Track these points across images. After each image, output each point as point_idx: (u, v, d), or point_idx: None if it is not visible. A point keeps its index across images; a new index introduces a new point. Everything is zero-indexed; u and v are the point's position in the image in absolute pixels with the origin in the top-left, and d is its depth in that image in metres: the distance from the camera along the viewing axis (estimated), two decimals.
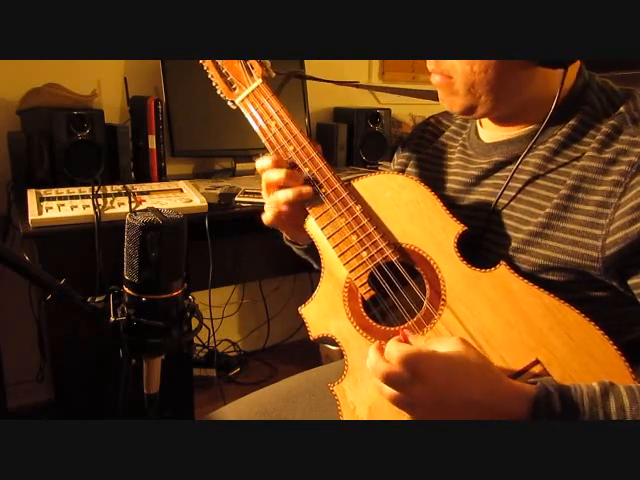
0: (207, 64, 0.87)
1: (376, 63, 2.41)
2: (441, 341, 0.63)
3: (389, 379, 0.59)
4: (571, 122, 0.71)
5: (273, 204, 0.80)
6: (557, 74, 0.70)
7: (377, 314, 0.75)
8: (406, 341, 0.65)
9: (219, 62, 0.85)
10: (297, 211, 0.79)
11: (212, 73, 0.87)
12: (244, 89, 0.83)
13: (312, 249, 0.85)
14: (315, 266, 0.91)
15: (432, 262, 0.72)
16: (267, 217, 0.83)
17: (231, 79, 0.85)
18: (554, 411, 0.57)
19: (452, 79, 0.72)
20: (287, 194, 0.77)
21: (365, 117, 2.09)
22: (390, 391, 0.60)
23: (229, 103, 0.86)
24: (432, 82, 0.76)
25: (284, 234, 0.91)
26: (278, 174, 0.78)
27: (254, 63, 0.82)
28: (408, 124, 2.32)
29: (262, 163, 0.80)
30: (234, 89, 0.85)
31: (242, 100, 0.83)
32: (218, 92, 0.86)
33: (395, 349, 0.59)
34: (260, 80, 0.82)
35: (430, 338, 0.65)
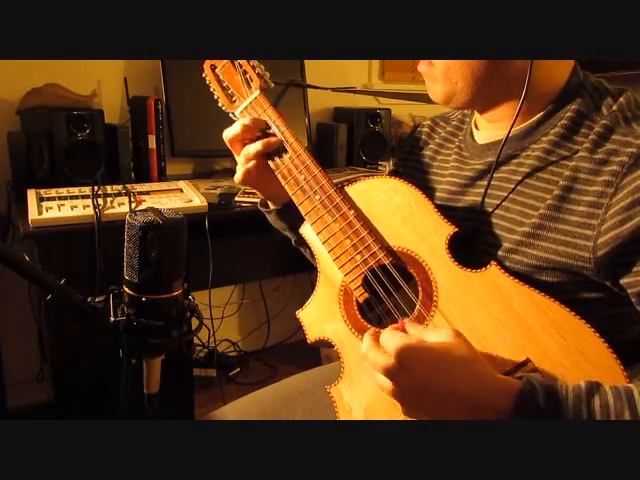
0: (209, 78, 0.90)
1: (376, 63, 2.40)
2: (435, 331, 0.64)
3: (380, 367, 0.61)
4: (563, 121, 0.71)
5: (243, 159, 0.84)
6: (541, 69, 0.70)
7: (372, 318, 0.76)
8: (403, 329, 0.66)
9: (220, 76, 0.88)
10: (264, 167, 0.83)
11: (214, 86, 0.89)
12: (243, 101, 0.85)
13: (284, 213, 0.90)
14: (293, 241, 0.94)
15: (424, 264, 0.72)
16: (238, 175, 0.86)
17: (231, 92, 0.88)
18: (538, 406, 0.57)
19: (433, 65, 0.74)
20: (257, 146, 0.82)
21: (365, 117, 2.08)
22: (381, 379, 0.62)
23: (230, 115, 0.89)
24: (418, 69, 0.77)
25: (258, 200, 0.95)
26: (255, 146, 0.82)
27: (253, 75, 0.85)
28: (408, 124, 2.32)
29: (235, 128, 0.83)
30: (234, 101, 0.87)
31: (241, 111, 0.86)
32: (220, 105, 0.89)
33: (388, 339, 0.61)
34: (258, 92, 0.84)
35: (426, 328, 0.65)
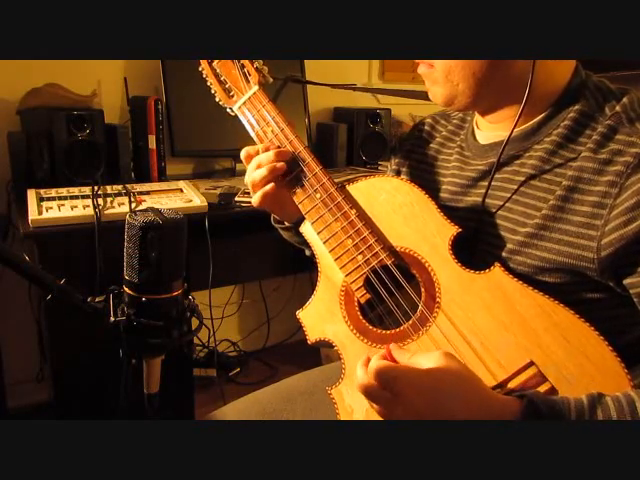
0: (206, 71, 0.88)
1: (376, 63, 2.41)
2: (425, 356, 0.61)
3: (367, 393, 0.60)
4: (566, 122, 0.71)
5: (252, 185, 0.83)
6: (543, 70, 0.70)
7: (374, 318, 0.75)
8: (390, 356, 0.64)
9: (217, 69, 0.86)
10: (280, 188, 0.82)
11: (211, 80, 0.88)
12: (241, 96, 0.84)
13: (297, 228, 0.87)
14: (307, 252, 0.93)
15: (427, 265, 0.72)
16: (255, 199, 0.85)
17: (229, 86, 0.86)
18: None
19: (433, 67, 0.74)
20: (262, 172, 0.80)
21: (365, 117, 2.09)
22: (374, 406, 0.61)
23: (227, 110, 0.87)
24: (418, 72, 0.77)
25: (272, 215, 0.94)
26: (267, 156, 0.80)
27: (251, 70, 0.84)
28: (408, 124, 2.32)
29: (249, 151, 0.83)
30: (232, 96, 0.86)
31: (239, 107, 0.85)
32: (217, 99, 0.88)
33: (374, 365, 0.61)
34: (257, 87, 0.83)
35: (416, 353, 0.63)
